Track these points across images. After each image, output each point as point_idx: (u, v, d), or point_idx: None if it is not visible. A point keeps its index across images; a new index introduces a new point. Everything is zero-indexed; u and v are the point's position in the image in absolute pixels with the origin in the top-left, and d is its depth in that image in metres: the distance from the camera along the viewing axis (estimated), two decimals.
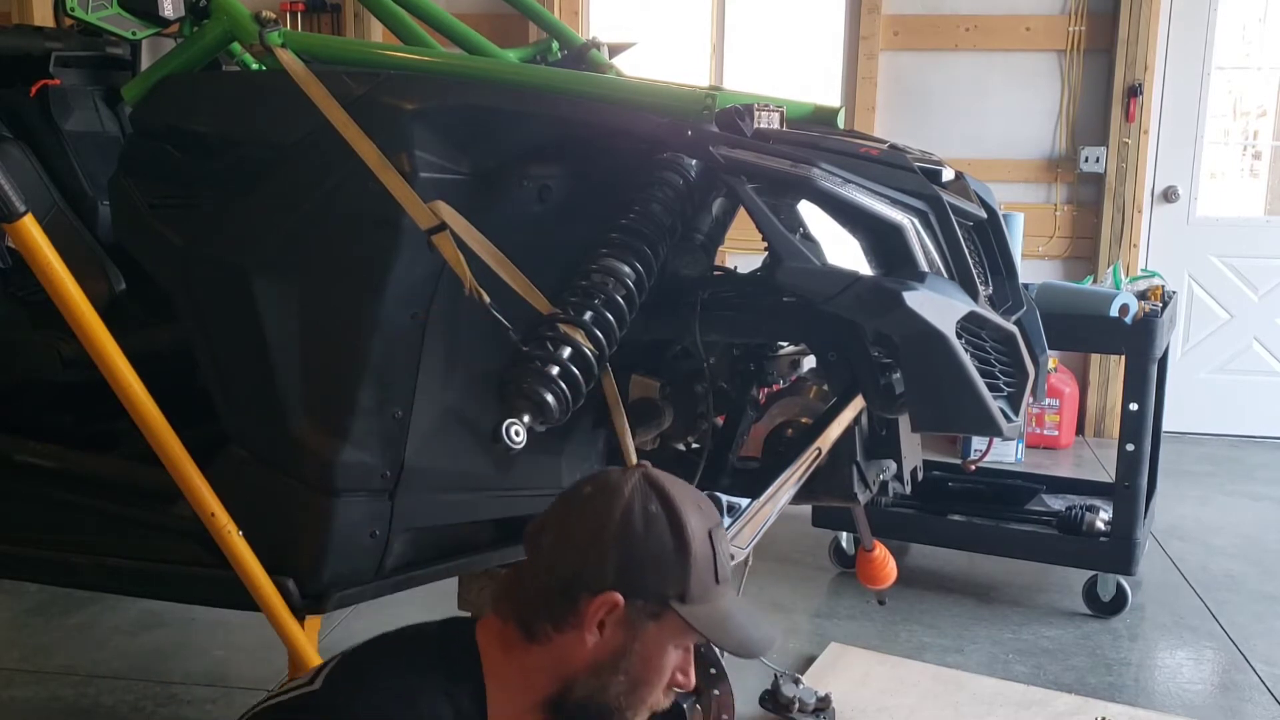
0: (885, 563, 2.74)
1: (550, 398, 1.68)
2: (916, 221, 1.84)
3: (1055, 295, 3.40)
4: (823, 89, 5.72)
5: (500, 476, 2.05)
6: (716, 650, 1.79)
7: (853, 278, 1.76)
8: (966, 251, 1.90)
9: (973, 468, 3.93)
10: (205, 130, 2.05)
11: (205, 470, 2.03)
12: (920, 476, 2.33)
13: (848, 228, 1.80)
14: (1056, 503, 3.66)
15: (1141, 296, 3.45)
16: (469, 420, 2.04)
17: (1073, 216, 5.47)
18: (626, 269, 1.82)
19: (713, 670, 1.77)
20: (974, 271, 1.92)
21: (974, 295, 1.88)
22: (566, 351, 1.73)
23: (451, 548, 2.14)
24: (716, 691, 1.76)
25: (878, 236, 1.81)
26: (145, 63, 2.98)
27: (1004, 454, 4.96)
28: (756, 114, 1.87)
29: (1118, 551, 3.34)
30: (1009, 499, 3.72)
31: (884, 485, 2.25)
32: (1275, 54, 5.46)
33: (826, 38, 5.69)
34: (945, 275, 1.85)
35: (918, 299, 1.74)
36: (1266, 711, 2.91)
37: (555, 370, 1.69)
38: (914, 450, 2.28)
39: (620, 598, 1.35)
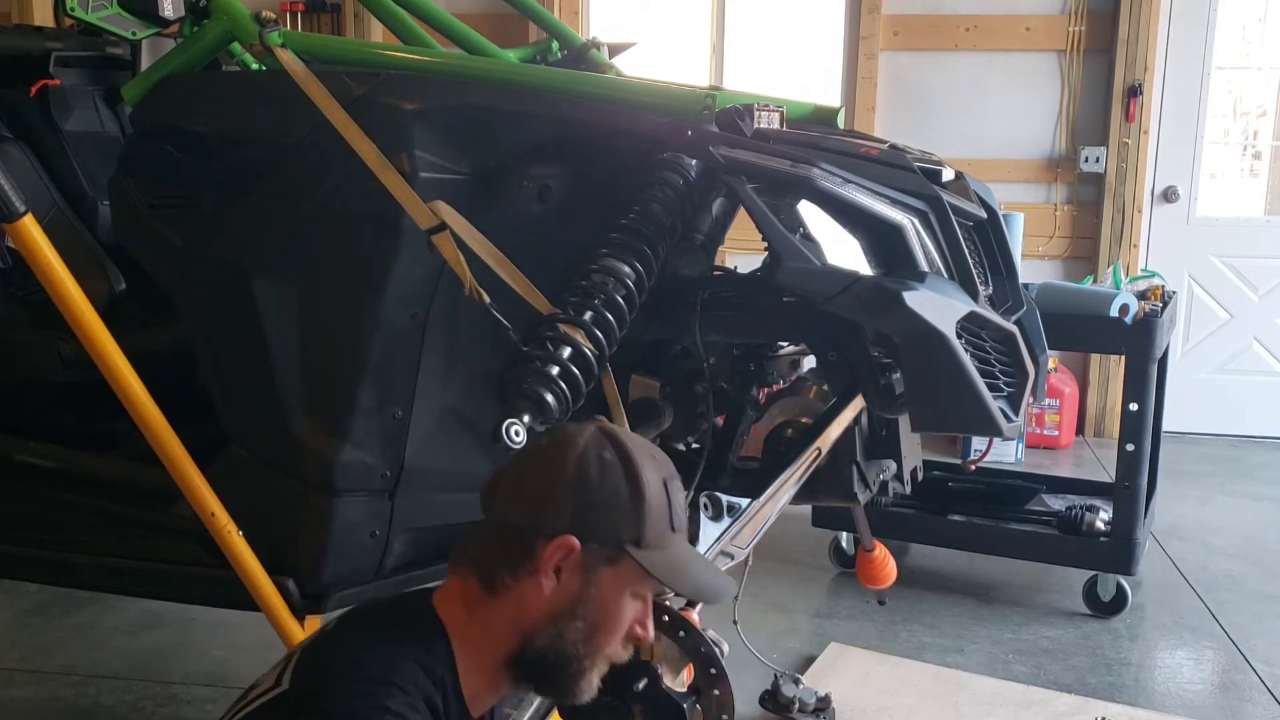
0: (885, 563, 2.74)
1: (550, 398, 1.68)
2: (916, 221, 1.84)
3: (1055, 295, 3.40)
4: (823, 89, 5.72)
5: None
6: (716, 650, 1.79)
7: (853, 278, 1.76)
8: (966, 251, 1.90)
9: (973, 468, 3.93)
10: (205, 130, 2.05)
11: (205, 470, 2.03)
12: (920, 476, 2.33)
13: (848, 228, 1.80)
14: (1056, 503, 3.66)
15: (1141, 296, 3.45)
16: (469, 420, 2.04)
17: (1073, 216, 5.47)
18: (626, 269, 1.82)
19: (713, 670, 1.77)
20: (974, 271, 1.92)
21: (974, 295, 1.88)
22: (566, 351, 1.73)
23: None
24: (716, 691, 1.76)
25: (878, 236, 1.81)
26: (145, 63, 2.99)
27: (1004, 454, 4.96)
28: (756, 114, 1.87)
29: (1118, 551, 3.34)
30: (1009, 499, 3.72)
31: (884, 485, 2.25)
32: (1275, 54, 5.46)
33: (826, 38, 5.69)
34: (945, 275, 1.85)
35: (918, 299, 1.74)
36: (1266, 711, 2.91)
37: (555, 370, 1.69)
38: (914, 450, 2.28)
39: (576, 542, 1.35)
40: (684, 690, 1.80)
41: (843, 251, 1.78)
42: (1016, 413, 1.94)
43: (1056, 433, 5.29)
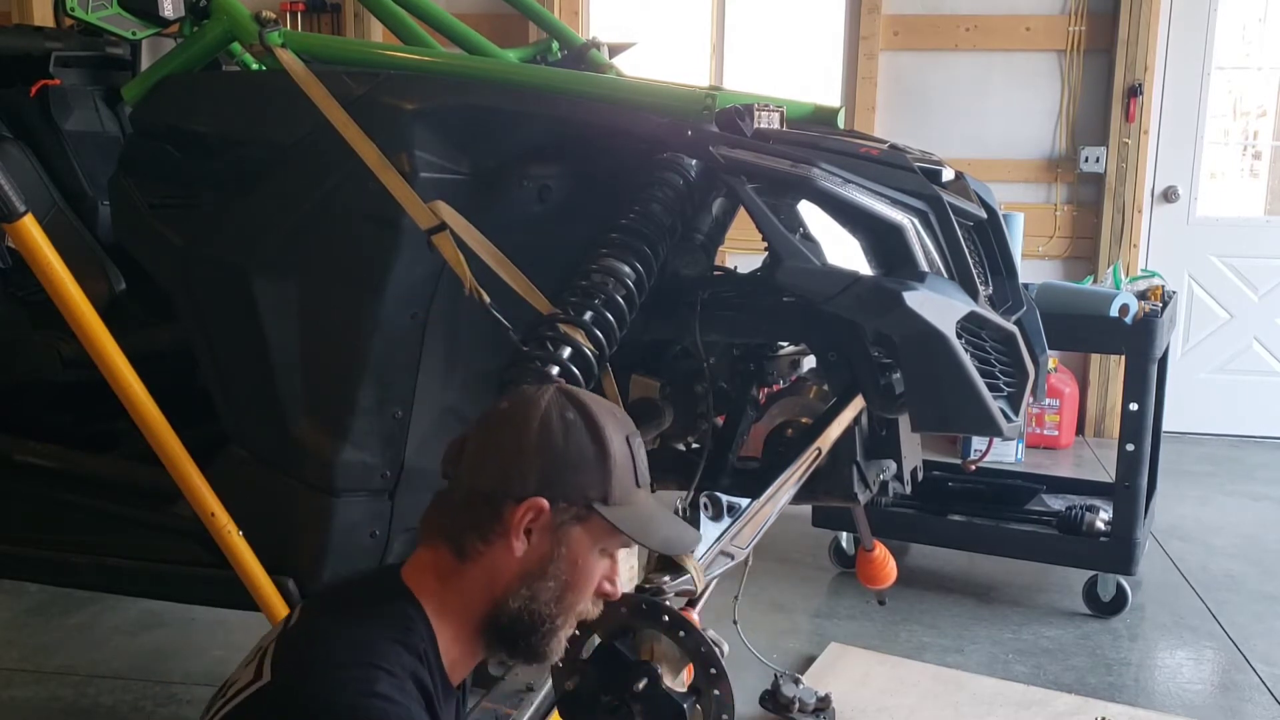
0: (885, 563, 2.74)
1: None
2: (916, 221, 1.84)
3: (1055, 295, 3.40)
4: (823, 89, 5.72)
5: None
6: (716, 650, 1.79)
7: (853, 278, 1.76)
8: (966, 251, 1.90)
9: (973, 468, 3.93)
10: (205, 130, 2.05)
11: (205, 470, 2.03)
12: (920, 476, 2.33)
13: (848, 228, 1.80)
14: (1056, 503, 3.66)
15: (1141, 296, 3.45)
16: (469, 420, 2.03)
17: (1073, 216, 5.47)
18: (626, 269, 1.82)
19: (713, 670, 1.77)
20: (974, 271, 1.92)
21: (974, 295, 1.87)
22: (566, 351, 1.73)
23: None
24: (716, 691, 1.76)
25: (878, 236, 1.81)
26: (145, 63, 2.98)
27: (1004, 454, 4.96)
28: (756, 114, 1.87)
29: (1118, 551, 3.34)
30: (1009, 499, 3.72)
31: (884, 485, 2.25)
32: (1275, 54, 5.46)
33: (826, 38, 5.69)
34: (945, 275, 1.85)
35: (918, 299, 1.74)
36: (1266, 711, 2.91)
37: (555, 370, 1.69)
38: (914, 450, 2.28)
39: (545, 502, 1.36)
40: (684, 690, 1.80)
41: (843, 251, 1.78)
42: (1016, 413, 1.94)
43: (1056, 433, 5.29)
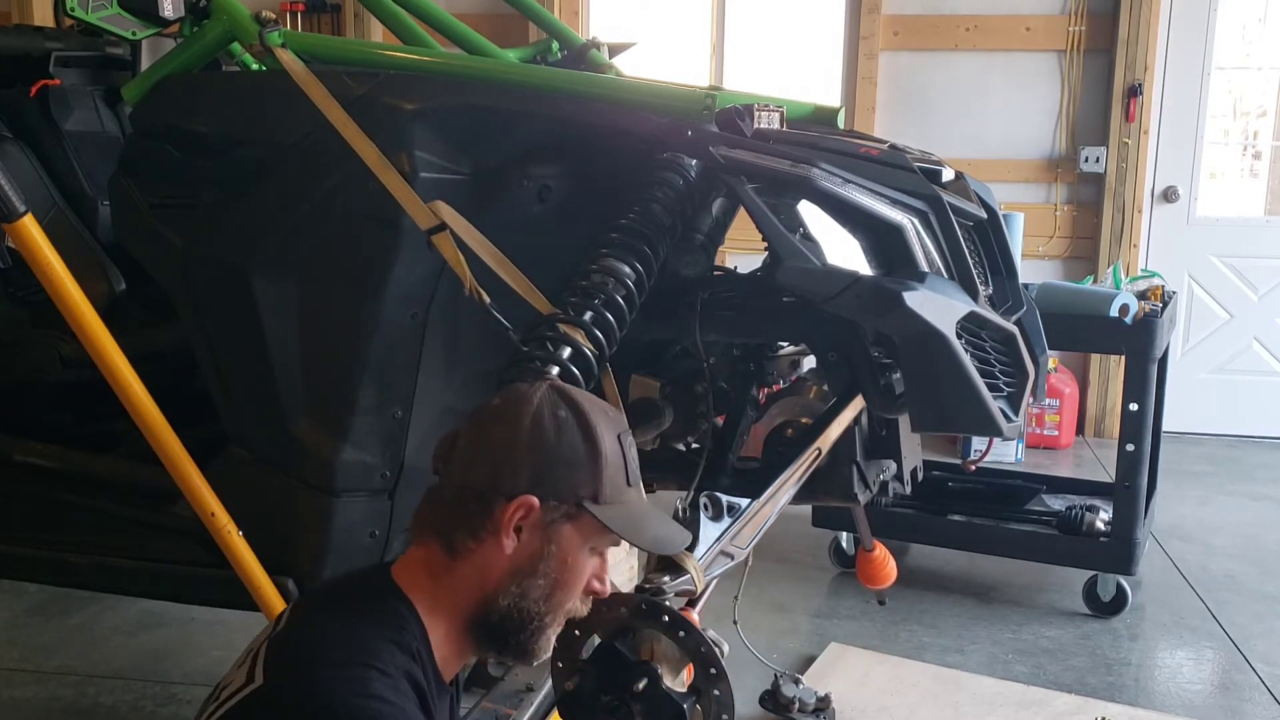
0: (885, 563, 2.74)
1: None
2: (916, 221, 1.84)
3: (1055, 295, 3.40)
4: (823, 89, 5.72)
5: None
6: (716, 650, 1.78)
7: (853, 278, 1.75)
8: (966, 251, 1.90)
9: (973, 468, 3.93)
10: (205, 130, 2.05)
11: (205, 470, 2.03)
12: (920, 476, 2.33)
13: (848, 228, 1.80)
14: (1056, 503, 3.66)
15: (1141, 296, 3.45)
16: None
17: (1073, 216, 5.47)
18: (626, 269, 1.82)
19: (713, 670, 1.77)
20: (974, 271, 1.92)
21: (974, 295, 1.87)
22: (566, 351, 1.73)
23: None
24: (716, 691, 1.76)
25: (878, 236, 1.81)
26: (145, 63, 2.98)
27: (1004, 454, 4.96)
28: (756, 114, 1.87)
29: (1118, 551, 3.34)
30: (1009, 499, 3.72)
31: (884, 485, 2.25)
32: (1275, 54, 5.46)
33: (826, 38, 5.69)
34: (945, 275, 1.85)
35: (918, 299, 1.74)
36: (1266, 711, 2.91)
37: (555, 370, 1.69)
38: (914, 450, 2.28)
39: (535, 500, 1.36)
40: (684, 690, 1.80)
41: (843, 251, 1.78)
42: (1016, 413, 1.94)
43: (1056, 433, 5.29)
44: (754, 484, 2.04)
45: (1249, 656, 3.20)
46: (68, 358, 2.37)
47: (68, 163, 2.84)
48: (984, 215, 2.05)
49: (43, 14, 5.58)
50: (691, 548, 1.88)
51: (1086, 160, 5.33)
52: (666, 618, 1.78)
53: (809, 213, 1.78)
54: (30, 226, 1.90)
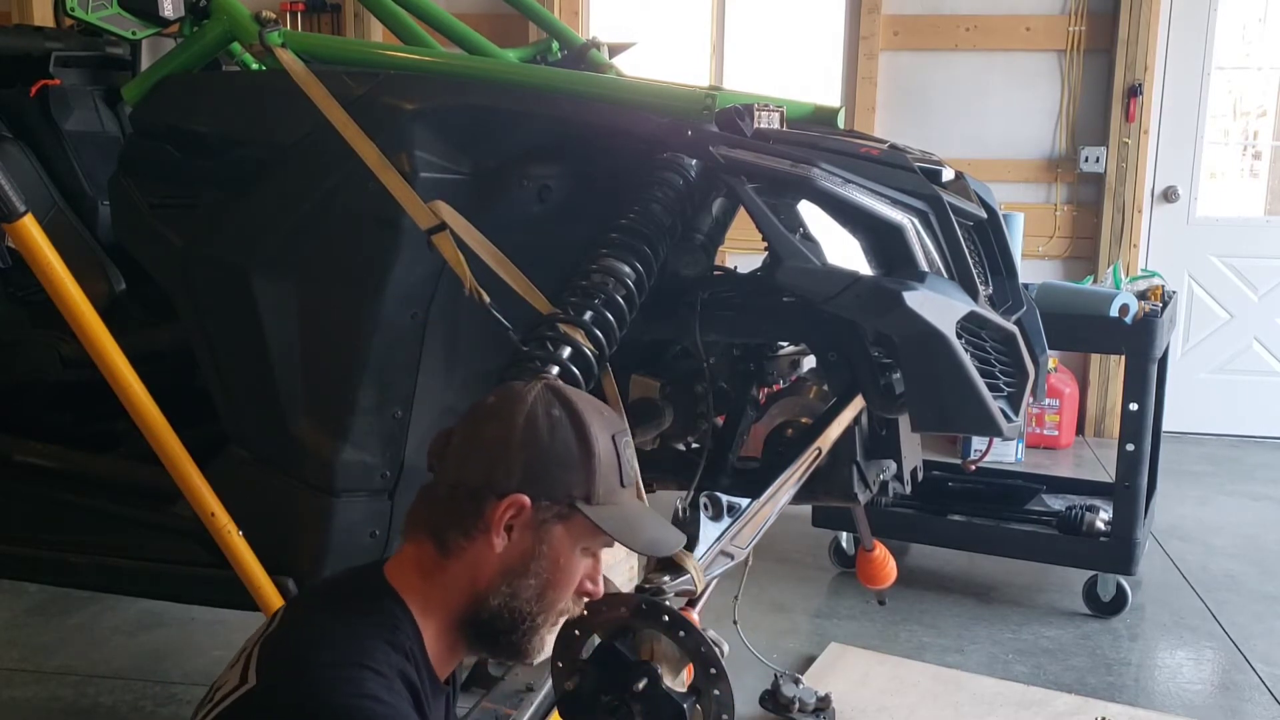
0: (885, 563, 2.74)
1: None
2: (916, 221, 1.84)
3: (1055, 295, 3.40)
4: (823, 89, 5.72)
5: None
6: (716, 650, 1.78)
7: (853, 278, 1.75)
8: (966, 251, 1.90)
9: (973, 468, 3.93)
10: (205, 130, 2.05)
11: (205, 470, 2.03)
12: (920, 476, 2.33)
13: (848, 228, 1.80)
14: (1056, 503, 3.66)
15: (1141, 296, 3.45)
16: None
17: (1073, 216, 5.47)
18: (626, 269, 1.82)
19: (713, 670, 1.77)
20: (974, 271, 1.92)
21: (974, 295, 1.87)
22: (566, 351, 1.73)
23: None
24: (716, 691, 1.76)
25: (878, 236, 1.81)
26: (145, 63, 2.98)
27: (1004, 454, 4.96)
28: (756, 114, 1.87)
29: (1118, 551, 3.34)
30: (1009, 499, 3.72)
31: (884, 485, 2.25)
32: (1275, 54, 5.46)
33: (826, 38, 5.69)
34: (945, 275, 1.85)
35: (918, 299, 1.74)
36: (1266, 711, 2.91)
37: (555, 370, 1.69)
38: (914, 450, 2.28)
39: (527, 500, 1.35)
40: (684, 690, 1.80)
41: (843, 251, 1.78)
42: (1016, 413, 1.94)
43: (1056, 433, 5.29)
44: (754, 484, 2.04)
45: (1249, 656, 3.20)
46: (68, 358, 2.37)
47: (68, 163, 2.84)
48: (984, 215, 2.05)
49: (43, 14, 5.58)
50: (691, 548, 1.88)
51: (1086, 160, 5.33)
52: (666, 618, 1.77)
53: (809, 213, 1.78)
54: (30, 226, 1.90)
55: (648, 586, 1.83)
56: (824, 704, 2.73)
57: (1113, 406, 5.38)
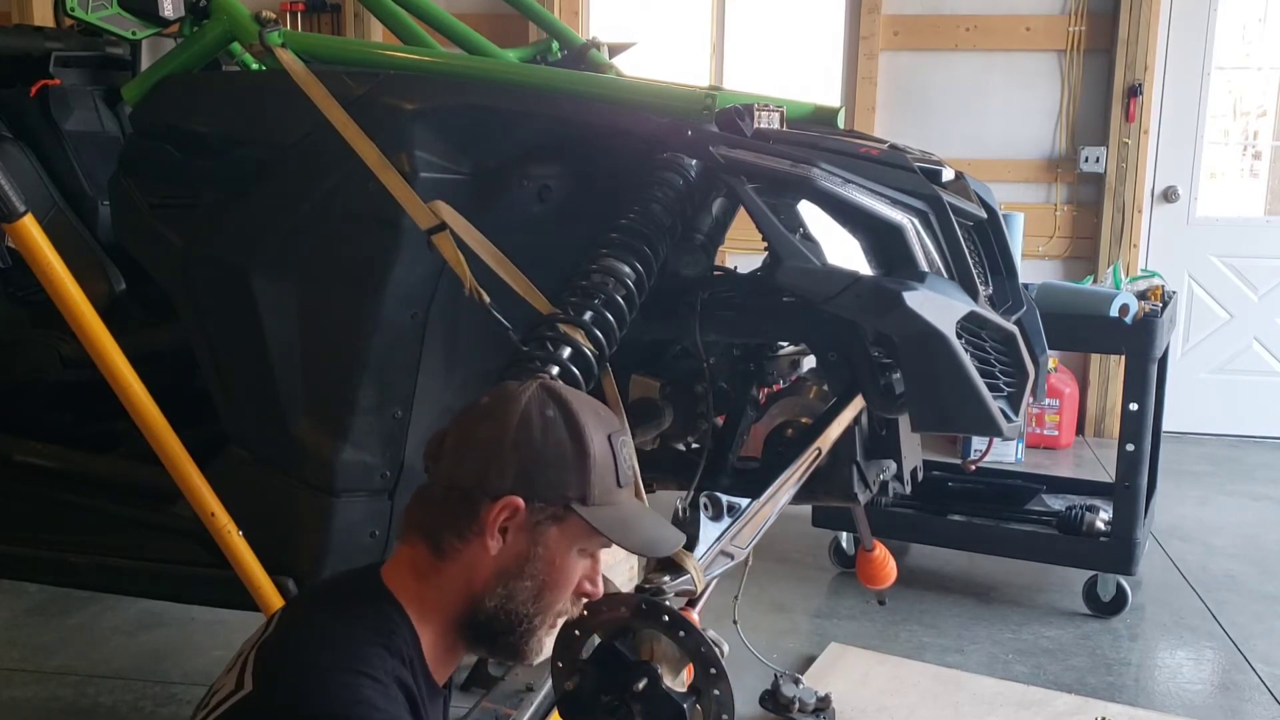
0: (885, 563, 2.74)
1: None
2: (916, 221, 1.84)
3: (1055, 295, 3.40)
4: (823, 89, 5.72)
5: None
6: (716, 650, 1.78)
7: (853, 278, 1.75)
8: (966, 251, 1.90)
9: (973, 468, 3.93)
10: (205, 130, 2.05)
11: (205, 470, 2.03)
12: (920, 476, 2.33)
13: (848, 228, 1.80)
14: (1056, 503, 3.66)
15: (1141, 296, 3.45)
16: None
17: (1073, 216, 5.47)
18: (626, 269, 1.82)
19: (713, 670, 1.77)
20: (974, 271, 1.92)
21: (974, 295, 1.87)
22: (566, 351, 1.73)
23: None
24: (716, 691, 1.76)
25: (878, 236, 1.81)
26: (145, 63, 2.98)
27: (1004, 454, 4.96)
28: (756, 114, 1.87)
29: (1118, 551, 3.34)
30: (1009, 499, 3.72)
31: (884, 485, 2.25)
32: (1275, 54, 5.46)
33: (826, 38, 5.69)
34: (945, 275, 1.85)
35: (918, 299, 1.74)
36: (1266, 711, 2.91)
37: (555, 370, 1.69)
38: (914, 450, 2.28)
39: (520, 501, 1.34)
40: (684, 690, 1.80)
41: (843, 251, 1.78)
42: (1016, 413, 1.94)
43: (1056, 433, 5.29)
44: (754, 484, 2.04)
45: (1249, 656, 3.20)
46: (68, 358, 2.37)
47: (68, 163, 2.84)
48: (984, 215, 2.05)
49: (43, 14, 5.58)
50: (691, 548, 1.88)
51: (1086, 160, 5.33)
52: (666, 618, 1.78)
53: (809, 213, 1.78)
54: (30, 226, 1.90)
55: (648, 586, 1.83)
56: (824, 704, 2.73)
57: (1113, 406, 5.38)
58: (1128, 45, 5.21)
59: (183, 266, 2.07)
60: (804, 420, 2.16)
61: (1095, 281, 4.00)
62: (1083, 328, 3.35)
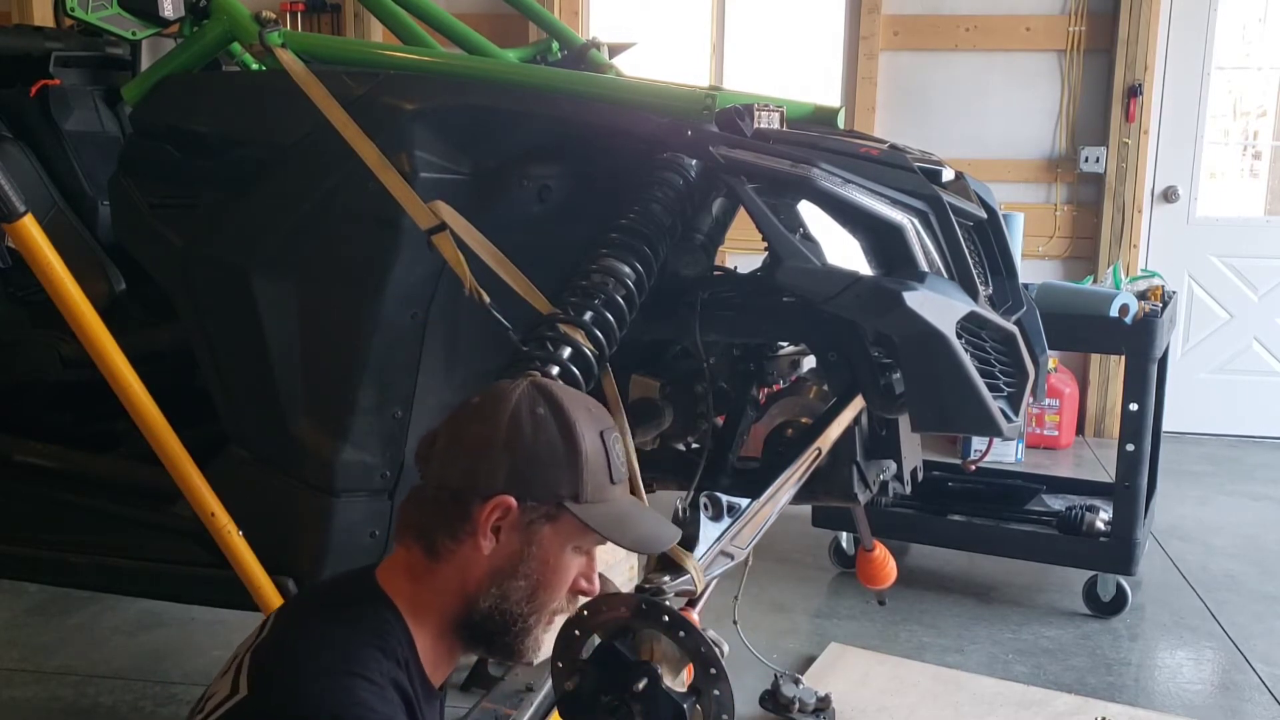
0: (885, 563, 2.74)
1: None
2: (916, 221, 1.84)
3: (1055, 295, 3.40)
4: (823, 89, 5.72)
5: None
6: (716, 650, 1.78)
7: (853, 278, 1.75)
8: (966, 251, 1.90)
9: (973, 468, 3.93)
10: (205, 130, 2.05)
11: (205, 470, 2.03)
12: (920, 476, 2.33)
13: (848, 228, 1.80)
14: (1056, 503, 3.66)
15: (1141, 296, 3.45)
16: None
17: (1073, 216, 5.47)
18: (626, 269, 1.82)
19: (713, 670, 1.77)
20: (974, 271, 1.92)
21: (974, 295, 1.87)
22: (566, 351, 1.73)
23: None
24: (716, 691, 1.76)
25: (878, 236, 1.81)
26: (145, 63, 2.98)
27: (1004, 454, 4.96)
28: (756, 114, 1.87)
29: (1118, 551, 3.34)
30: (1009, 499, 3.72)
31: (884, 485, 2.24)
32: (1275, 54, 5.46)
33: (826, 38, 5.69)
34: (945, 275, 1.85)
35: (918, 299, 1.74)
36: (1266, 711, 2.91)
37: (555, 370, 1.69)
38: (914, 450, 2.28)
39: (513, 501, 1.33)
40: (684, 690, 1.80)
41: (843, 251, 1.78)
42: (1016, 413, 1.94)
43: (1056, 433, 5.29)
44: (754, 484, 2.04)
45: (1249, 656, 3.20)
46: (68, 358, 2.37)
47: (68, 163, 2.84)
48: (984, 215, 2.05)
49: (43, 14, 5.58)
50: (691, 548, 1.88)
51: (1086, 160, 5.33)
52: (666, 618, 1.77)
53: (809, 213, 1.78)
54: (30, 226, 1.90)
55: (648, 586, 1.83)
56: (824, 704, 2.73)
57: (1113, 406, 5.38)
58: (1128, 45, 5.21)
59: (183, 266, 2.07)
60: (804, 420, 2.16)
61: (1095, 281, 4.00)
62: (1083, 328, 3.35)
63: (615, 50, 2.84)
